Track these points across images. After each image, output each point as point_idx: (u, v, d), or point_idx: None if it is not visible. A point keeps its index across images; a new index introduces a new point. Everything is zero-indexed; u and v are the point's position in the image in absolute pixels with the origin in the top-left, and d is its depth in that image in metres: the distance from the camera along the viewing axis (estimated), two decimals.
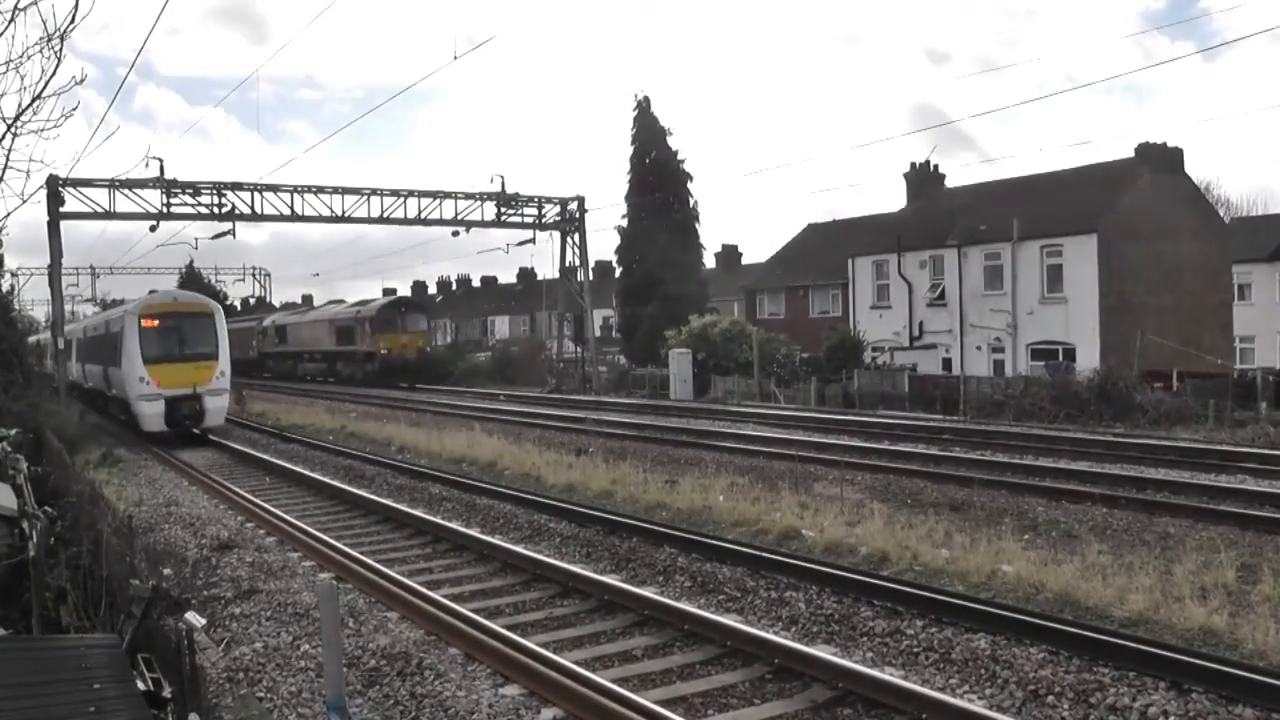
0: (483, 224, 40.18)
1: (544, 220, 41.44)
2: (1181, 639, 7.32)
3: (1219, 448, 17.27)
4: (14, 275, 53.21)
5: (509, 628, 7.88)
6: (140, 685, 5.15)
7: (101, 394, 28.34)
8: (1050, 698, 6.39)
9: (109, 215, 34.24)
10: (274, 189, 36.30)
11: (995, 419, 24.02)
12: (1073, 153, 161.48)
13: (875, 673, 6.72)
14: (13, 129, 6.20)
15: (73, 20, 5.71)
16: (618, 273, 50.29)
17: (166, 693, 5.41)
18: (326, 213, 37.42)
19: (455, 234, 40.14)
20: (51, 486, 11.61)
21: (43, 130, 6.34)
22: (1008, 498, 13.16)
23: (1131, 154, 36.08)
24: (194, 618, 6.08)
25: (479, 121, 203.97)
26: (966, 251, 36.74)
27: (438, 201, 39.00)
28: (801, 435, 21.03)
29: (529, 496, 13.96)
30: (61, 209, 32.84)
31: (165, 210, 34.76)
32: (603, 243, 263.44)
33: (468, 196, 39.42)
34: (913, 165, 43.17)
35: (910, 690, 6.30)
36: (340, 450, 20.96)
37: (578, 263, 42.98)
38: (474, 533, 11.90)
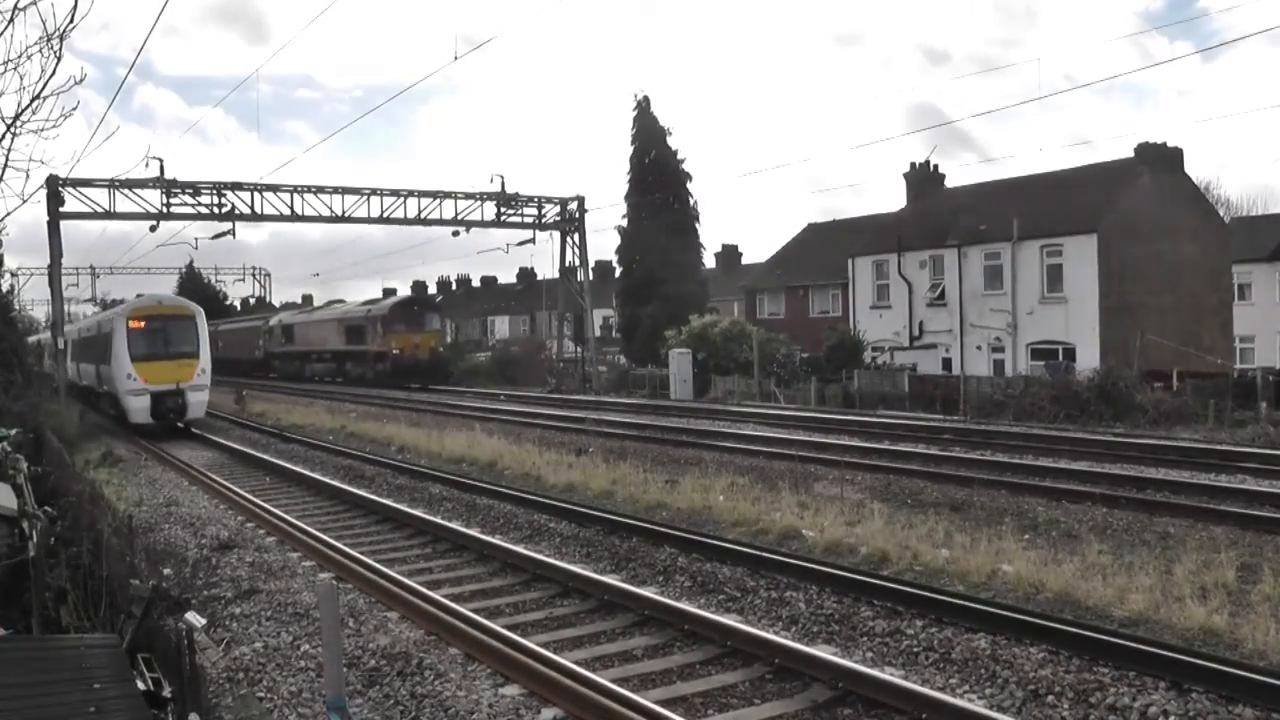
0: (483, 224, 40.19)
1: (544, 220, 41.45)
2: (1181, 639, 7.31)
3: (1219, 448, 17.27)
4: (14, 275, 53.23)
5: (509, 628, 7.88)
6: (140, 685, 5.15)
7: (94, 390, 30.25)
8: (1050, 697, 6.39)
9: (109, 215, 34.26)
10: (274, 189, 36.32)
11: (995, 419, 24.01)
12: (1072, 153, 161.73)
13: (875, 673, 6.72)
14: (12, 129, 6.20)
15: (72, 20, 5.70)
16: (618, 273, 50.30)
17: (166, 693, 5.42)
18: (326, 213, 37.45)
19: (455, 234, 40.20)
20: (51, 486, 11.61)
21: (42, 130, 6.34)
22: (1008, 497, 13.15)
23: (1131, 154, 36.10)
24: (194, 618, 6.09)
25: (479, 121, 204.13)
26: (966, 251, 36.76)
27: (438, 201, 39.02)
28: (801, 435, 21.02)
29: (529, 496, 13.96)
30: (61, 209, 32.87)
31: (165, 210, 34.79)
32: (603, 243, 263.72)
33: (468, 196, 39.44)
34: (913, 165, 43.21)
35: (910, 690, 6.30)
36: (340, 450, 20.96)
37: (578, 263, 42.99)
38: (474, 533, 11.90)
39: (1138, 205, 34.14)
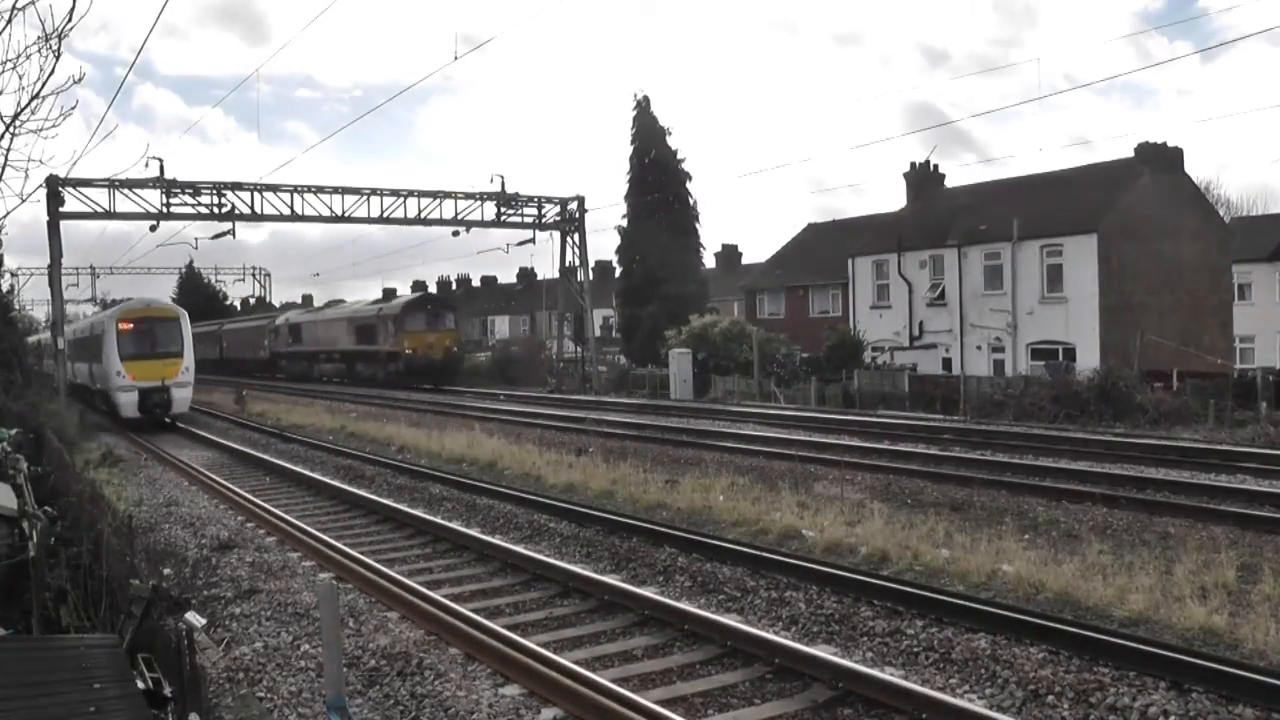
0: (483, 224, 40.21)
1: (544, 220, 41.46)
2: (1181, 639, 7.31)
3: (1219, 448, 17.27)
4: (14, 275, 53.18)
5: (509, 628, 7.88)
6: (140, 685, 5.15)
7: (87, 388, 32.07)
8: (1050, 697, 6.39)
9: (109, 215, 34.30)
10: (274, 189, 36.33)
11: (995, 419, 24.02)
12: (1072, 153, 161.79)
13: (875, 673, 6.72)
14: (11, 128, 6.20)
15: (70, 20, 5.71)
16: (618, 273, 50.27)
17: (167, 693, 5.42)
18: (326, 213, 37.47)
19: (455, 234, 40.22)
20: (51, 486, 11.60)
21: (41, 130, 6.34)
22: (1008, 497, 13.15)
23: (1131, 154, 36.10)
24: (194, 618, 6.09)
25: (479, 121, 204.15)
26: (966, 251, 36.76)
27: (438, 201, 39.03)
28: (801, 435, 21.03)
29: (529, 496, 13.96)
30: (61, 209, 32.90)
31: (165, 210, 34.82)
32: (603, 243, 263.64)
33: (468, 196, 39.46)
34: (913, 165, 43.20)
35: (910, 690, 6.30)
36: (340, 450, 20.96)
37: (578, 263, 43.00)
38: (474, 533, 11.90)
39: (1138, 205, 34.14)
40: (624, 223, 46.32)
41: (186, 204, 35.37)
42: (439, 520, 12.75)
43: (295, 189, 36.73)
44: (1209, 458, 16.16)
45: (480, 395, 38.63)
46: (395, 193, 38.40)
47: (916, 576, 9.28)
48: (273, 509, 13.74)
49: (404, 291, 75.83)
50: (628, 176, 46.00)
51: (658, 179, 44.83)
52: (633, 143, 45.95)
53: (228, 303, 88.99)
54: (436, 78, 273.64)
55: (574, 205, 41.79)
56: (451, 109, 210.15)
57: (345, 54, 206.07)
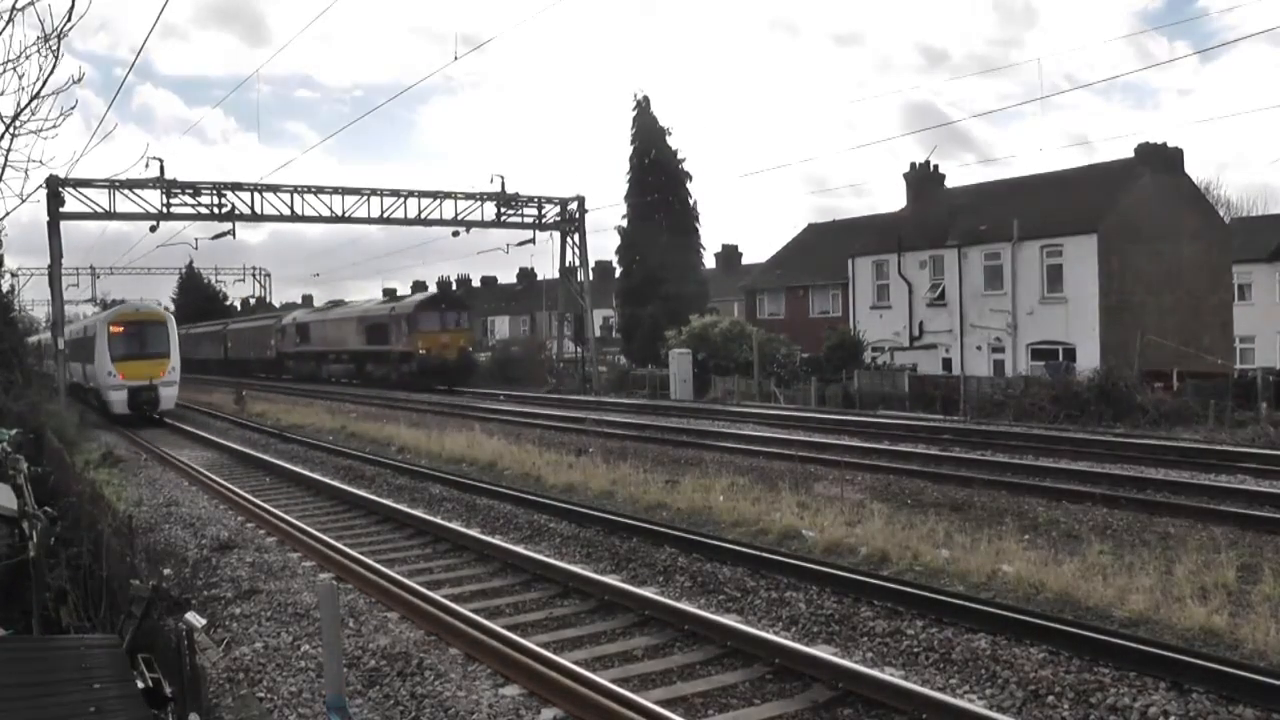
0: (483, 224, 40.22)
1: (544, 220, 41.47)
2: (1182, 639, 7.31)
3: (1219, 448, 17.27)
4: (14, 275, 53.13)
5: (509, 628, 7.88)
6: (140, 685, 5.15)
7: (81, 386, 33.88)
8: (1050, 698, 6.38)
9: (109, 215, 34.33)
10: (274, 189, 36.35)
11: (995, 419, 24.02)
12: (1072, 153, 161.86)
13: (875, 673, 6.72)
14: (11, 129, 6.19)
15: (70, 20, 5.70)
16: (618, 273, 50.26)
17: (167, 693, 5.41)
18: (326, 213, 37.49)
19: (455, 234, 40.22)
20: (51, 486, 11.58)
21: (41, 130, 6.33)
22: (1008, 498, 13.15)
23: (1131, 154, 36.10)
24: (194, 618, 6.08)
25: (479, 121, 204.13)
26: (966, 251, 36.75)
27: (438, 202, 39.04)
28: (801, 435, 21.03)
29: (529, 497, 13.96)
30: (61, 209, 32.93)
31: (165, 210, 34.84)
32: (603, 243, 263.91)
33: (468, 196, 39.47)
34: (913, 165, 43.17)
35: (910, 690, 6.30)
36: (340, 450, 20.97)
37: (578, 263, 43.01)
38: (474, 533, 11.90)
39: (1138, 205, 34.14)
40: (624, 223, 46.35)
41: (186, 204, 35.39)
42: (439, 520, 12.75)
43: (295, 189, 36.75)
44: (1209, 458, 16.16)
45: (480, 395, 38.62)
46: (395, 193, 38.41)
47: (916, 577, 9.28)
48: (273, 509, 13.74)
49: (404, 291, 75.69)
50: (628, 177, 46.03)
51: (658, 179, 44.83)
52: (633, 143, 45.95)
53: (228, 303, 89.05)
54: (436, 78, 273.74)
55: (574, 205, 41.79)
56: (451, 109, 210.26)
57: (345, 54, 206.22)
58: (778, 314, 48.38)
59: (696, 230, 46.50)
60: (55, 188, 31.80)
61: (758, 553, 9.99)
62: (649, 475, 15.16)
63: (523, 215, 40.96)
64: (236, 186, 35.82)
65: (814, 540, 10.84)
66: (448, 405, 32.33)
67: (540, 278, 64.84)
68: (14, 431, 13.35)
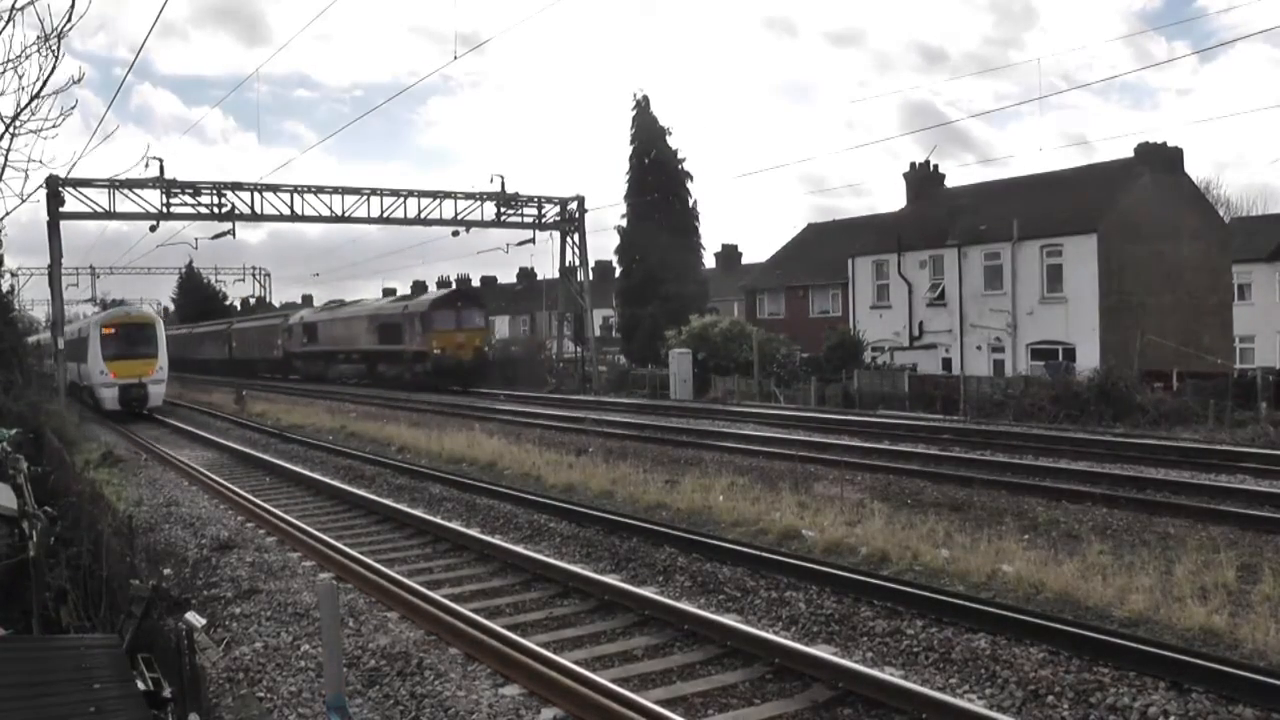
0: (483, 224, 40.22)
1: (544, 220, 41.47)
2: (1181, 639, 7.31)
3: (1219, 448, 17.26)
4: (14, 275, 53.15)
5: (509, 628, 7.87)
6: (140, 685, 5.15)
7: (76, 384, 35.38)
8: (1050, 698, 6.38)
9: (109, 215, 34.36)
10: (274, 189, 36.36)
11: (995, 419, 24.01)
12: (1072, 153, 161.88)
13: (875, 673, 6.71)
14: (11, 129, 6.20)
15: (69, 20, 5.70)
16: (618, 273, 50.25)
17: (167, 693, 5.42)
18: (326, 213, 37.50)
19: (455, 234, 40.24)
20: (51, 486, 11.59)
21: (41, 130, 6.34)
22: (1008, 498, 13.14)
23: (1131, 154, 36.10)
24: (194, 618, 6.09)
25: (479, 121, 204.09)
26: (966, 251, 36.75)
27: (437, 202, 39.04)
28: (801, 435, 21.02)
29: (529, 496, 13.96)
30: (61, 209, 32.96)
31: (165, 210, 34.86)
32: (603, 243, 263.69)
33: (468, 196, 39.47)
34: (912, 165, 43.22)
35: (910, 690, 6.30)
36: (340, 450, 20.96)
37: (578, 263, 43.00)
38: (474, 533, 11.90)
39: (1138, 205, 34.14)
40: (624, 223, 46.32)
41: (186, 204, 35.40)
42: (439, 520, 12.75)
43: (295, 189, 36.76)
44: (1209, 458, 16.15)
45: (480, 395, 38.60)
46: (395, 193, 38.42)
47: (916, 576, 9.28)
48: (273, 509, 13.73)
49: (404, 291, 75.55)
50: (627, 176, 46.00)
51: (658, 179, 44.81)
52: (632, 143, 45.93)
53: (227, 303, 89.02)
54: (435, 78, 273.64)
55: (574, 205, 41.79)
56: (451, 109, 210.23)
57: (344, 54, 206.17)
58: (778, 314, 48.39)
59: (696, 230, 46.52)
60: (55, 188, 31.81)
61: (758, 552, 9.98)
62: (649, 475, 15.16)
63: (522, 215, 40.96)
64: (236, 186, 35.82)
65: (814, 540, 10.84)
66: (448, 405, 32.32)
67: (540, 278, 64.77)
68: (14, 431, 13.36)
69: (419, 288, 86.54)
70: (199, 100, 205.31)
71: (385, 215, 38.31)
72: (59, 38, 5.78)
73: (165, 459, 20.69)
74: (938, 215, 39.25)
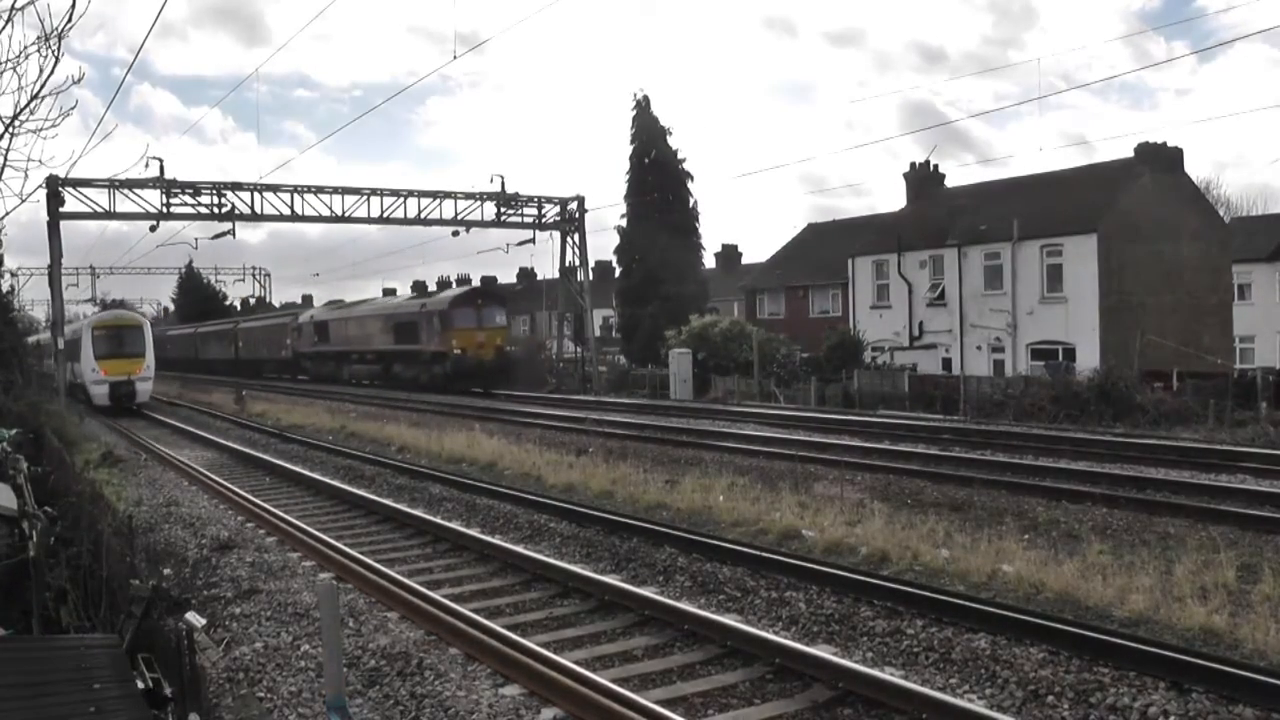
0: (483, 224, 40.23)
1: (544, 220, 41.47)
2: (1182, 639, 7.31)
3: (1219, 448, 17.26)
4: (14, 275, 53.20)
5: (509, 628, 7.87)
6: (140, 685, 5.15)
7: (70, 382, 36.75)
8: (1050, 698, 6.38)
9: (109, 215, 34.42)
10: (273, 189, 36.38)
11: (995, 419, 24.01)
12: (1072, 153, 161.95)
13: (875, 672, 6.71)
14: (11, 129, 6.20)
15: (69, 20, 5.71)
16: (618, 273, 50.25)
17: (167, 693, 5.42)
18: (326, 213, 37.52)
19: (455, 234, 40.26)
20: (51, 486, 11.60)
21: (41, 130, 6.33)
22: (1008, 497, 13.14)
23: (1131, 154, 36.10)
24: (194, 618, 6.09)
25: (479, 121, 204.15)
26: (966, 251, 36.76)
27: (437, 202, 39.06)
28: (801, 435, 21.02)
29: (529, 496, 13.96)
30: (61, 209, 32.99)
31: (165, 210, 34.89)
32: (603, 243, 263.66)
33: (468, 196, 39.49)
34: (912, 165, 43.21)
35: (910, 690, 6.30)
36: (340, 450, 20.96)
37: (578, 263, 43.01)
38: (474, 533, 11.90)
39: (1138, 205, 34.14)
40: (624, 223, 46.31)
41: (186, 204, 35.43)
42: (439, 520, 12.75)
43: (295, 189, 36.77)
44: (1209, 458, 16.15)
45: (480, 395, 38.58)
46: (395, 193, 38.43)
47: (916, 576, 9.28)
48: (273, 509, 13.72)
49: (404, 291, 75.42)
50: (627, 176, 45.98)
51: (658, 179, 44.79)
52: (632, 143, 45.92)
53: (227, 303, 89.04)
54: (435, 78, 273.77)
55: (574, 205, 41.80)
56: (450, 109, 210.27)
57: (343, 54, 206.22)
58: (778, 314, 48.40)
59: (696, 230, 46.50)
60: (55, 188, 31.83)
61: (758, 553, 9.98)
62: (649, 475, 15.16)
63: (522, 215, 40.97)
64: (236, 186, 35.84)
65: (814, 540, 10.84)
66: (448, 405, 32.32)
67: (540, 277, 64.68)
68: (14, 431, 13.38)
69: (419, 287, 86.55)
70: (198, 100, 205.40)
71: (385, 215, 38.32)
72: (59, 38, 5.78)
73: (165, 459, 20.68)
74: (938, 215, 39.25)
